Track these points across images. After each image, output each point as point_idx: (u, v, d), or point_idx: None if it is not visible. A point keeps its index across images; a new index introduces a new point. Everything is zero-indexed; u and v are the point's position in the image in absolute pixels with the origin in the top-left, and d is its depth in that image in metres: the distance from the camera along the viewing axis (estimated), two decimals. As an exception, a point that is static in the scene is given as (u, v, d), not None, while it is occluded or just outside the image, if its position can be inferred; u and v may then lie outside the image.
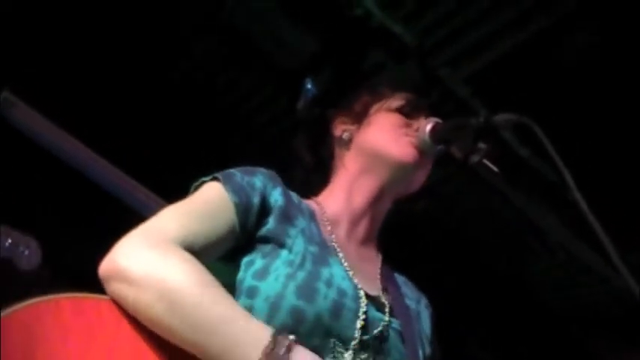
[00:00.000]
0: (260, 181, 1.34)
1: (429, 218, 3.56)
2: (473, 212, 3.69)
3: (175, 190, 1.36)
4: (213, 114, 3.47)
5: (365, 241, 1.48)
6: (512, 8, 2.80)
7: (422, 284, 1.55)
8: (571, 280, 3.84)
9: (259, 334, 1.07)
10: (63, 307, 1.05)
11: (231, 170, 1.34)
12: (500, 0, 2.79)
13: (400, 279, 1.51)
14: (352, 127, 1.56)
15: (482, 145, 1.34)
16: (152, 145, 3.27)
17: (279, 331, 1.08)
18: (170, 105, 3.34)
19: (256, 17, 2.90)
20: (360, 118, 1.56)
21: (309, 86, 2.89)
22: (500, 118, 1.33)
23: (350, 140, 1.54)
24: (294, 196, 1.44)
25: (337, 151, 1.57)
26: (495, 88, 3.05)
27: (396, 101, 1.55)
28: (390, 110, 1.54)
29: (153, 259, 1.12)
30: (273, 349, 1.04)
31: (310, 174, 1.58)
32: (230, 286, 1.25)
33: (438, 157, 1.52)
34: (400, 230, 1.59)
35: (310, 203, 1.49)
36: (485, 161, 1.33)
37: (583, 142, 3.01)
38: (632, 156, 3.07)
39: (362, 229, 1.48)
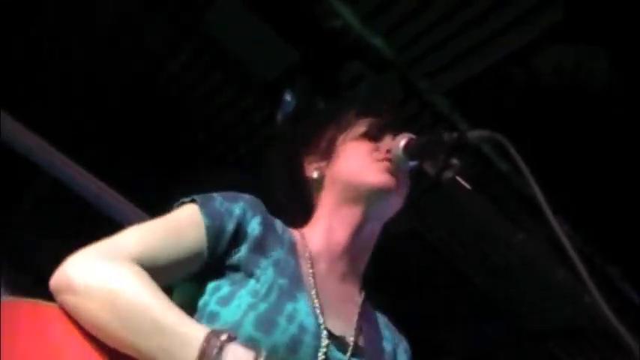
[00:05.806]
0: (240, 208, 1.32)
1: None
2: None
3: (150, 199, 1.34)
4: (191, 125, 3.46)
5: (346, 278, 1.44)
6: (493, 22, 2.81)
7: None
8: (547, 295, 3.84)
9: (194, 335, 1.07)
10: (21, 308, 1.09)
11: (213, 194, 1.32)
12: (480, 14, 2.80)
13: (381, 320, 1.48)
14: (322, 164, 1.53)
15: (455, 162, 1.33)
16: (128, 157, 3.25)
17: (214, 331, 1.08)
18: (148, 116, 3.33)
19: (235, 29, 2.89)
20: (327, 153, 1.52)
21: (287, 98, 2.89)
22: (474, 134, 1.31)
23: (322, 178, 1.51)
24: (278, 224, 1.41)
25: (313, 190, 1.54)
26: (475, 101, 3.05)
27: (360, 127, 1.53)
28: (355, 138, 1.51)
29: (102, 271, 1.13)
30: (205, 350, 1.05)
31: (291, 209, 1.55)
32: (191, 307, 1.24)
33: (412, 173, 1.50)
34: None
35: (295, 234, 1.45)
36: (458, 178, 1.32)
37: (563, 156, 3.02)
38: (613, 170, 3.08)
39: (343, 265, 1.43)
